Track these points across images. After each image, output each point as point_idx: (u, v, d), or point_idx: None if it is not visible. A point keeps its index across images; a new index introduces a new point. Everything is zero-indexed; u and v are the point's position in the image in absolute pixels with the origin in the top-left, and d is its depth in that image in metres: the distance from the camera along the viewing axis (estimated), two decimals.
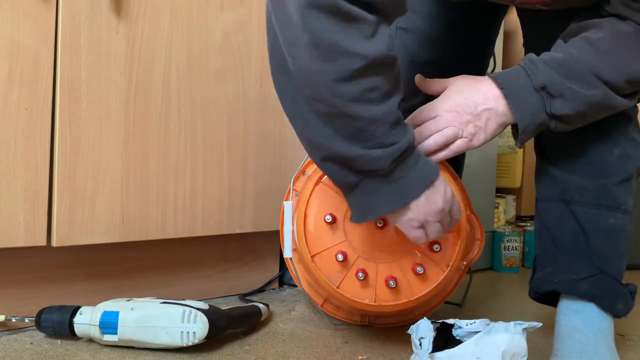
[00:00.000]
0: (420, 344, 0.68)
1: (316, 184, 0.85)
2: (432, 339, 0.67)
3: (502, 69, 1.54)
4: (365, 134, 0.64)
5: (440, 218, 0.72)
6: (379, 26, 0.62)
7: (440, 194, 0.70)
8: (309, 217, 0.85)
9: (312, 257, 0.83)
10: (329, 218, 0.84)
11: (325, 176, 0.86)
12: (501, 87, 0.73)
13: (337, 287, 0.83)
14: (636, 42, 0.70)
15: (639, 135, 0.83)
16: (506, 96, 0.72)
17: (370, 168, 0.67)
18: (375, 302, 0.83)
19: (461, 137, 0.75)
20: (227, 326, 0.86)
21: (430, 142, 0.74)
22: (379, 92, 0.63)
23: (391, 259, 0.84)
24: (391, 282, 0.82)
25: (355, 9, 0.60)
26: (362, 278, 0.82)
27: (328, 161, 0.69)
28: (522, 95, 0.72)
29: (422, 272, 0.83)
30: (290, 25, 0.61)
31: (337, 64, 0.61)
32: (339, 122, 0.64)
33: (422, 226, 0.72)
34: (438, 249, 0.84)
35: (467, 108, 0.74)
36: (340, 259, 0.82)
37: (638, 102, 0.79)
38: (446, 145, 0.75)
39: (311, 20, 0.59)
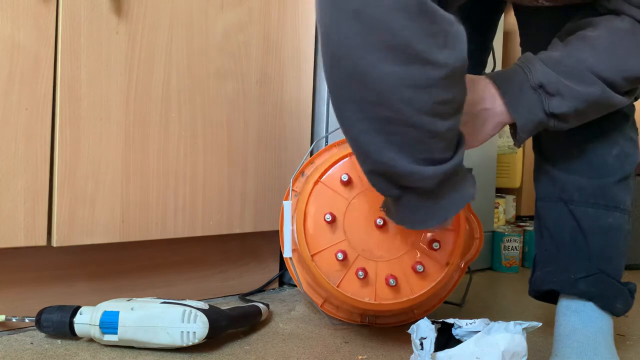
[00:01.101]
0: (421, 344, 0.68)
1: (315, 183, 0.86)
2: (434, 340, 0.67)
3: (502, 68, 1.54)
4: (420, 146, 0.61)
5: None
6: (458, 27, 0.57)
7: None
8: (309, 216, 0.85)
9: (312, 256, 0.83)
10: (328, 217, 0.84)
11: (325, 176, 0.86)
12: (498, 87, 0.73)
13: (337, 286, 0.83)
14: (633, 38, 0.69)
15: (636, 134, 0.83)
16: (503, 96, 0.72)
17: (415, 185, 0.65)
18: (375, 300, 0.83)
19: None
20: (227, 326, 0.86)
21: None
22: (451, 106, 0.60)
23: (391, 258, 0.85)
24: (391, 281, 0.82)
25: (435, 7, 0.55)
26: (362, 277, 0.83)
27: (375, 173, 0.66)
28: (519, 94, 0.71)
29: (422, 270, 0.83)
30: (371, 26, 0.55)
31: (412, 69, 0.56)
32: (397, 129, 0.60)
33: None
34: (437, 247, 0.84)
35: (464, 108, 0.74)
36: (340, 258, 0.82)
37: (635, 100, 0.79)
38: None
39: (395, 21, 0.54)
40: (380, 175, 0.66)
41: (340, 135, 1.03)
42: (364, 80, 0.57)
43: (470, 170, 0.73)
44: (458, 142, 0.66)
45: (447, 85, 0.58)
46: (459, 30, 0.58)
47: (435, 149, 0.62)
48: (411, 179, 0.64)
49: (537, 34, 0.84)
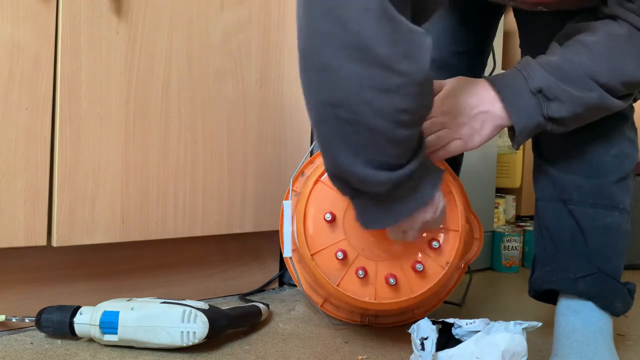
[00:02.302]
0: (422, 344, 0.68)
1: (315, 182, 0.86)
2: (435, 340, 0.67)
3: (502, 69, 1.54)
4: (376, 150, 0.62)
5: (424, 226, 0.75)
6: (422, 38, 0.58)
7: (432, 209, 0.72)
8: (309, 215, 0.85)
9: (312, 255, 0.83)
10: (328, 216, 0.84)
11: (325, 175, 0.86)
12: (498, 90, 0.73)
13: (337, 286, 0.83)
14: (630, 44, 0.70)
15: (635, 134, 0.83)
16: (502, 99, 0.72)
17: (367, 190, 0.66)
18: (375, 299, 0.83)
19: (457, 139, 0.75)
20: (227, 326, 0.86)
21: (425, 144, 0.74)
22: (412, 116, 0.61)
23: (391, 257, 0.85)
24: (391, 280, 0.82)
25: (397, 14, 0.56)
26: (362, 276, 0.83)
27: (332, 174, 0.68)
28: (518, 98, 0.72)
29: (421, 269, 0.83)
30: (334, 24, 0.56)
31: (373, 72, 0.57)
32: (355, 131, 0.61)
33: (404, 231, 0.76)
34: (437, 246, 0.85)
35: (462, 110, 0.74)
36: (340, 257, 0.82)
37: (634, 102, 0.79)
38: (441, 146, 0.75)
39: (360, 23, 0.55)
40: (337, 177, 0.68)
41: None
42: (328, 77, 0.59)
43: (437, 169, 0.73)
44: (417, 148, 0.67)
45: (408, 94, 0.59)
46: (423, 42, 0.58)
47: (391, 155, 0.63)
48: (363, 184, 0.65)
49: (536, 36, 0.84)
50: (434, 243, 0.85)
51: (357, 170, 0.63)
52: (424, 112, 0.64)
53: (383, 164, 0.63)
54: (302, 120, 1.16)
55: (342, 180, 0.67)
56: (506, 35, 1.64)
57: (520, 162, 1.77)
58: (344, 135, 0.61)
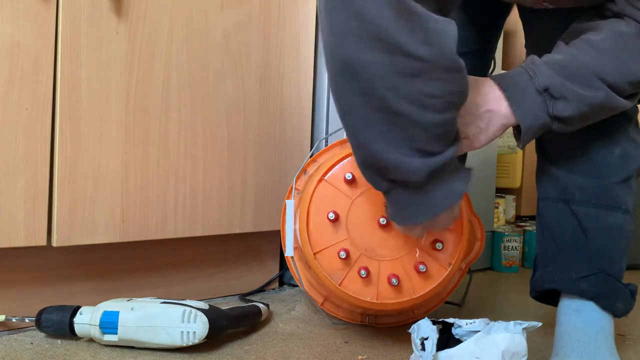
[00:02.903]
0: (422, 344, 0.68)
1: (319, 181, 0.86)
2: (436, 341, 0.66)
3: (502, 69, 1.54)
4: (406, 136, 0.63)
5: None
6: (442, 26, 0.59)
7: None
8: (312, 214, 0.85)
9: (314, 254, 0.83)
10: (331, 215, 0.84)
11: (329, 174, 0.86)
12: (503, 89, 0.73)
13: (340, 285, 0.83)
14: (637, 42, 0.69)
15: (639, 135, 0.83)
16: (508, 98, 0.72)
17: (403, 179, 0.66)
18: (377, 300, 0.83)
19: (462, 138, 0.75)
20: (227, 326, 0.86)
21: (460, 135, 0.74)
22: (440, 100, 0.62)
23: (393, 257, 0.85)
24: (393, 280, 0.82)
25: (413, 4, 0.57)
26: (364, 276, 0.83)
27: (365, 165, 0.69)
28: (524, 97, 0.72)
29: (424, 270, 0.83)
30: (357, 17, 0.58)
31: (395, 59, 0.58)
32: (383, 118, 0.62)
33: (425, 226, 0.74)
34: (440, 247, 0.84)
35: (468, 109, 0.74)
36: (343, 257, 0.82)
37: (639, 103, 0.79)
38: None
39: (377, 14, 0.57)
40: (370, 167, 0.68)
41: (341, 135, 1.03)
42: (352, 67, 0.60)
43: (466, 168, 0.73)
44: (453, 139, 0.67)
45: (431, 78, 0.60)
46: (442, 29, 0.59)
47: (421, 140, 0.63)
48: (398, 172, 0.65)
49: (541, 35, 0.84)
50: (438, 244, 0.85)
51: (390, 157, 0.64)
52: (454, 98, 0.64)
53: (417, 150, 0.64)
54: (302, 120, 1.16)
55: (375, 170, 0.68)
56: (506, 35, 1.64)
57: (520, 162, 1.77)
58: (374, 123, 0.63)
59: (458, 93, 0.64)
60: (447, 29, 0.60)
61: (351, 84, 0.62)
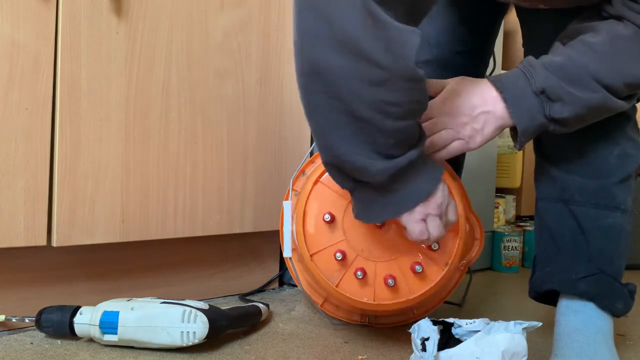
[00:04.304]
0: (422, 344, 0.67)
1: (315, 183, 0.86)
2: (437, 341, 0.66)
3: (502, 69, 1.54)
4: (369, 140, 0.64)
5: (440, 212, 0.73)
6: (406, 35, 0.60)
7: (434, 204, 0.72)
8: (308, 216, 0.85)
9: (311, 256, 0.83)
10: (327, 217, 0.84)
11: (324, 176, 0.86)
12: (500, 90, 0.73)
13: (336, 286, 0.83)
14: (635, 45, 0.69)
15: (637, 134, 0.83)
16: (505, 99, 0.72)
17: (367, 180, 0.68)
18: (374, 300, 0.83)
19: (458, 139, 0.75)
20: (227, 326, 0.86)
21: (427, 144, 0.74)
22: (400, 109, 0.63)
23: (390, 258, 0.85)
24: (390, 281, 0.82)
25: (381, 12, 0.58)
26: (360, 277, 0.83)
27: (330, 165, 0.70)
28: (521, 98, 0.72)
29: (420, 270, 0.83)
30: (327, 20, 0.59)
31: (359, 65, 0.60)
32: (348, 121, 0.63)
33: (424, 219, 0.73)
34: (437, 248, 0.84)
35: (464, 110, 0.74)
36: (339, 258, 0.82)
37: (638, 102, 0.79)
38: (443, 147, 0.75)
39: (345, 19, 0.58)
40: (335, 168, 0.69)
41: None
42: (318, 69, 0.61)
43: (438, 167, 0.73)
44: (416, 141, 0.68)
45: (394, 88, 0.61)
46: (407, 39, 0.60)
47: (384, 144, 0.65)
48: (361, 173, 0.67)
49: (538, 35, 0.84)
50: (434, 245, 0.85)
51: (353, 159, 0.65)
52: (415, 107, 0.65)
53: (378, 153, 0.65)
54: (302, 120, 1.16)
55: (340, 171, 0.69)
56: (506, 35, 1.64)
57: (520, 162, 1.77)
58: (338, 125, 0.64)
59: (418, 102, 0.65)
60: (409, 38, 0.60)
61: (317, 85, 0.63)
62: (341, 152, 0.65)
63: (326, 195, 0.85)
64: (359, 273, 0.82)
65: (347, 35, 0.59)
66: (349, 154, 0.65)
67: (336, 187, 0.85)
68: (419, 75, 0.62)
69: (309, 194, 0.85)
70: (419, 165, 0.69)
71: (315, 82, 0.62)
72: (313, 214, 0.85)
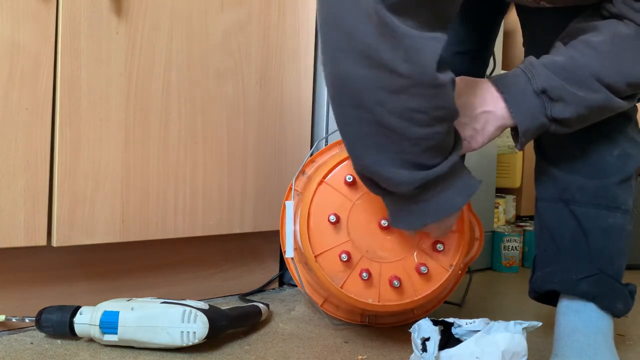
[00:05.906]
0: (422, 345, 0.67)
1: (319, 184, 0.85)
2: (437, 342, 0.66)
3: (502, 69, 1.54)
4: (396, 148, 0.65)
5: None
6: (422, 43, 0.60)
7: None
8: (312, 217, 0.85)
9: (315, 257, 0.83)
10: (332, 218, 0.84)
11: (329, 176, 0.86)
12: (501, 90, 0.73)
13: (341, 287, 0.83)
14: (636, 44, 0.69)
15: (638, 135, 0.83)
16: (505, 99, 0.72)
17: (392, 189, 0.69)
18: (379, 301, 0.83)
19: None
20: (227, 326, 0.86)
21: (459, 149, 0.74)
22: (426, 115, 0.63)
23: (395, 259, 0.85)
24: (395, 282, 0.82)
25: (396, 22, 0.58)
26: (366, 278, 0.82)
27: (361, 174, 0.72)
28: (522, 98, 0.72)
29: (425, 271, 0.83)
30: (354, 32, 0.60)
31: (382, 75, 0.61)
32: (374, 131, 0.64)
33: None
34: (441, 249, 0.84)
35: (465, 110, 0.74)
36: (344, 259, 0.82)
37: (638, 102, 0.79)
38: None
39: (363, 31, 0.59)
40: (364, 176, 0.71)
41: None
42: (343, 81, 0.63)
43: (473, 180, 0.73)
44: (450, 151, 0.68)
45: (416, 94, 0.62)
46: (420, 47, 0.60)
47: (411, 152, 0.65)
48: (388, 183, 0.68)
49: (539, 34, 0.84)
50: (438, 245, 0.85)
51: (381, 170, 0.67)
52: (440, 112, 0.65)
53: (407, 162, 0.66)
54: (301, 120, 1.16)
55: (369, 179, 0.71)
56: (506, 35, 1.64)
57: (520, 162, 1.77)
58: (367, 135, 0.65)
59: (442, 108, 0.65)
60: (428, 45, 0.60)
61: (344, 97, 0.64)
62: (370, 162, 0.67)
63: (331, 196, 0.85)
64: (364, 274, 0.82)
65: (366, 46, 0.60)
66: (377, 164, 0.67)
67: (341, 188, 0.85)
68: (440, 81, 0.62)
69: (314, 194, 0.85)
70: (453, 176, 0.69)
71: (342, 94, 0.64)
72: (318, 215, 0.85)
